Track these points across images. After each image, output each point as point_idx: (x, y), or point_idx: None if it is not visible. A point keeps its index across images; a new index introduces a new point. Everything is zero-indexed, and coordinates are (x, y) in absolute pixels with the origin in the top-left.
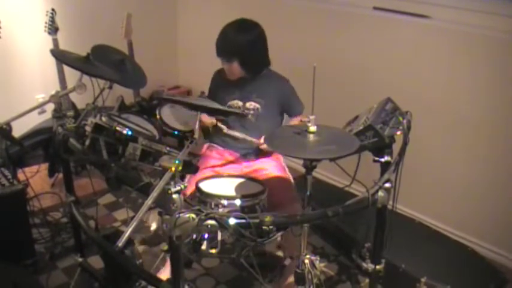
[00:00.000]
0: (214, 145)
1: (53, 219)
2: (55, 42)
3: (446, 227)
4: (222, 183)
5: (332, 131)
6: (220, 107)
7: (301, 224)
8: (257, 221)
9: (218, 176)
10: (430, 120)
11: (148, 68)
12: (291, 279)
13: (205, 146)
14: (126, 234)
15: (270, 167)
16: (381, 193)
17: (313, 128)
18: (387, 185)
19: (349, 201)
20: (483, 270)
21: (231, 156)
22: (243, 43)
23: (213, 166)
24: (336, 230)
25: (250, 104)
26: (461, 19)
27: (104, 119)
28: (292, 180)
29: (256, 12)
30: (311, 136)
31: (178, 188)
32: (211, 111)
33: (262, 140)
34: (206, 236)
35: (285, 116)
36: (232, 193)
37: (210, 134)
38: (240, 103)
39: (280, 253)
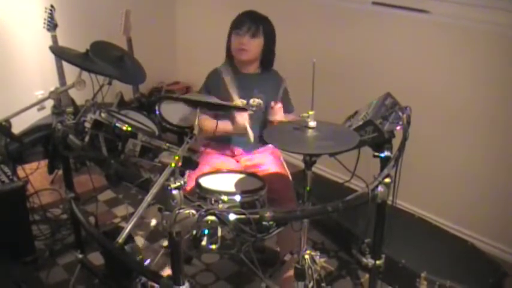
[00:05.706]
0: (212, 142)
1: (53, 215)
2: (54, 38)
3: (446, 222)
4: (221, 179)
5: (331, 127)
6: (225, 103)
7: (301, 219)
8: (257, 216)
9: (218, 171)
10: (430, 115)
11: (148, 64)
12: (290, 273)
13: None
14: (126, 231)
15: (269, 163)
16: (380, 188)
17: (312, 124)
18: (387, 180)
19: (349, 197)
20: (483, 265)
21: (230, 151)
22: (272, 25)
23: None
24: (335, 225)
25: (254, 101)
26: (461, 14)
27: (103, 115)
28: (290, 179)
29: (255, 8)
30: (310, 131)
31: (178, 183)
32: (214, 108)
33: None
34: (206, 231)
35: None
36: (232, 189)
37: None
38: (245, 101)
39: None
